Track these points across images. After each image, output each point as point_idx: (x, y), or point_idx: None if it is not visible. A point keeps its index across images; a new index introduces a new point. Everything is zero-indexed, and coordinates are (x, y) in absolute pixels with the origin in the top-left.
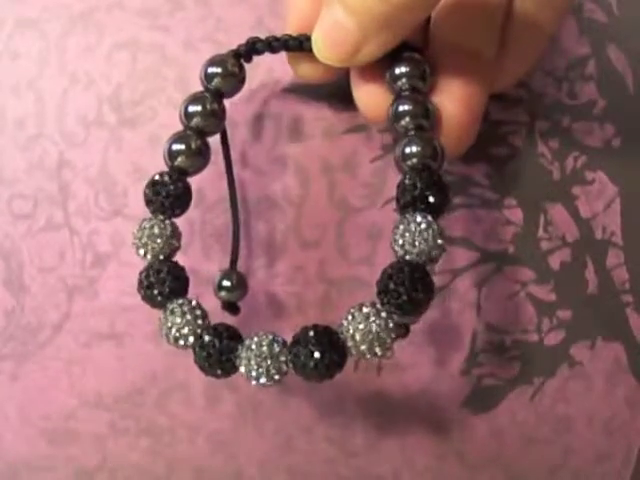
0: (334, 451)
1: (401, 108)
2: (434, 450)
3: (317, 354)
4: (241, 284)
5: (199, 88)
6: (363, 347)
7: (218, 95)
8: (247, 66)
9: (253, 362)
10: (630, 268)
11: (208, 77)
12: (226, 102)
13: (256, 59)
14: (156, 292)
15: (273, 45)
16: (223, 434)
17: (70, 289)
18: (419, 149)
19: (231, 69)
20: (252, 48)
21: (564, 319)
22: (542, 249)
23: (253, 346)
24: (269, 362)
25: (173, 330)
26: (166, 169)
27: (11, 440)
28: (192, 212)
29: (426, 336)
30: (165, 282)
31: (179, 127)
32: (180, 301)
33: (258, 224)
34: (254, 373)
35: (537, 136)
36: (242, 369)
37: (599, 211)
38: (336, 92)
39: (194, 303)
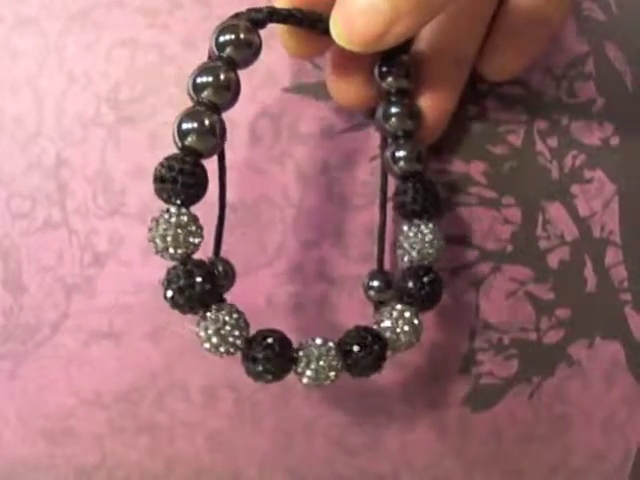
0: (333, 450)
1: (389, 110)
2: (433, 449)
3: (374, 353)
4: (228, 273)
5: None
6: (404, 348)
7: (232, 65)
8: None
9: (313, 365)
10: (629, 267)
11: (219, 45)
12: None
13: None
14: (196, 295)
15: (289, 20)
16: (222, 433)
17: (68, 288)
18: (406, 153)
19: (247, 37)
20: (268, 16)
21: (563, 318)
22: (540, 248)
23: (312, 350)
24: (325, 363)
25: (215, 339)
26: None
27: (10, 439)
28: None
29: (425, 335)
30: (200, 286)
31: None
32: (221, 307)
33: (257, 224)
34: (312, 373)
35: (536, 135)
36: (308, 372)
37: (598, 210)
38: None
39: (235, 311)
